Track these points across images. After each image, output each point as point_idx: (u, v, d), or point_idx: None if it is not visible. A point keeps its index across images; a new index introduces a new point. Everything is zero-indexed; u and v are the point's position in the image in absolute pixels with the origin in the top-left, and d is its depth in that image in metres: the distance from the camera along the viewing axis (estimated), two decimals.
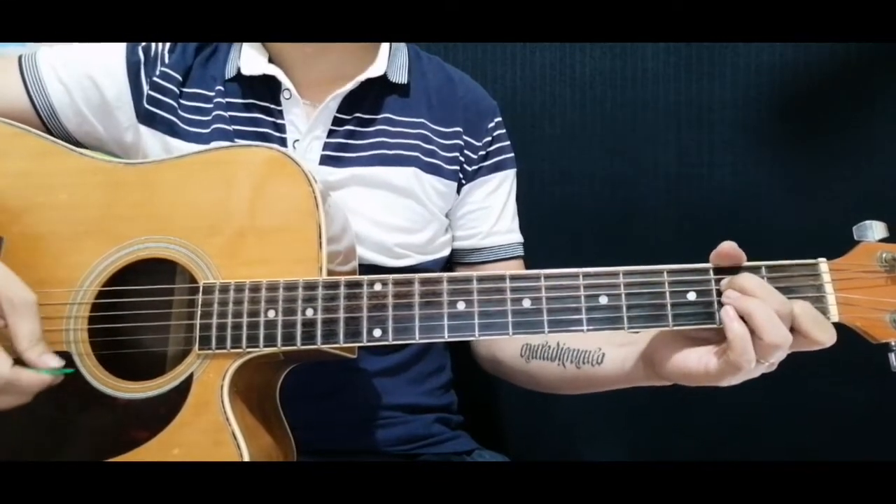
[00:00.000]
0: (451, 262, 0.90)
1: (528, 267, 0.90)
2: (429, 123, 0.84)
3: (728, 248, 0.59)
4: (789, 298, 0.58)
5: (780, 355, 0.57)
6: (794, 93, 1.06)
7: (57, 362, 0.60)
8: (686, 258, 0.62)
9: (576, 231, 1.08)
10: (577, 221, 1.09)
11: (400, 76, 0.83)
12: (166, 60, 0.81)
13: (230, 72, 0.80)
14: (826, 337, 0.57)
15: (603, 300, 0.60)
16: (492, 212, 0.88)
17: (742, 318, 0.57)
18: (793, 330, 0.57)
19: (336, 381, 0.80)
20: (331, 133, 0.80)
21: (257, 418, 0.65)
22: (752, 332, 0.56)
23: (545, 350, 0.77)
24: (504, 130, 0.90)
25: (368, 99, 0.82)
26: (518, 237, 0.91)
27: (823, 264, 0.60)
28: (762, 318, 0.56)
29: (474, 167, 0.87)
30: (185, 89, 0.81)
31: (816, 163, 1.06)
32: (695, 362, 0.60)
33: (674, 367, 0.62)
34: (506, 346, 0.83)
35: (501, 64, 1.09)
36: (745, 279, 0.58)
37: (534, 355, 0.79)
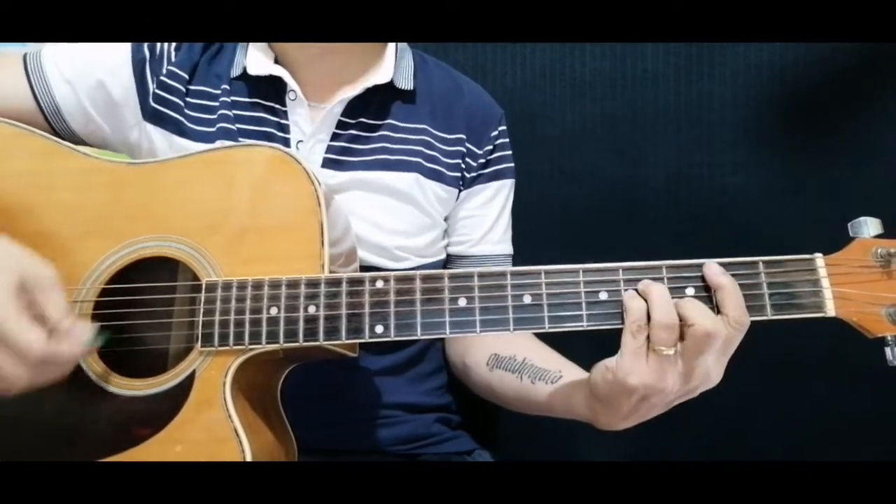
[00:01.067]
0: (444, 264, 0.90)
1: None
2: (431, 130, 0.84)
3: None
4: (784, 293, 0.60)
5: (666, 338, 0.58)
6: (794, 93, 1.06)
7: (89, 331, 0.60)
8: (685, 257, 0.62)
9: (576, 231, 1.08)
10: (577, 221, 1.09)
11: (406, 82, 0.83)
12: (173, 59, 0.81)
13: (236, 71, 0.80)
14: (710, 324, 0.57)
15: (603, 296, 0.61)
16: (485, 220, 0.88)
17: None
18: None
19: (337, 380, 0.80)
20: (334, 136, 0.80)
21: (259, 416, 0.66)
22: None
23: (511, 362, 0.78)
24: (507, 140, 0.90)
25: (374, 104, 0.82)
26: (508, 249, 0.90)
27: (820, 259, 0.61)
28: (656, 296, 0.58)
29: (473, 174, 0.87)
30: (191, 87, 0.81)
31: (816, 163, 1.06)
32: (603, 368, 0.61)
33: (595, 383, 0.63)
34: (476, 353, 0.83)
35: (501, 64, 1.09)
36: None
37: (498, 365, 0.80)
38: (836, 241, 0.62)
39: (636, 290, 0.60)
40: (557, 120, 1.09)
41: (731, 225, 1.06)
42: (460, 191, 0.86)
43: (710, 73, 1.07)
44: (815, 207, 1.05)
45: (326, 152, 0.80)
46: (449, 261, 0.89)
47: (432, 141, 0.84)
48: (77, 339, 0.58)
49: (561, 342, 0.79)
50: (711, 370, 0.59)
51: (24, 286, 0.57)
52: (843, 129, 1.05)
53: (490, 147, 0.88)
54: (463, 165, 0.86)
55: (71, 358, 0.59)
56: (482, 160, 0.87)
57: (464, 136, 0.86)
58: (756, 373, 1.02)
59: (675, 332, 0.58)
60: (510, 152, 0.90)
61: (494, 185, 0.88)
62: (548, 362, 0.75)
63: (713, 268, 0.60)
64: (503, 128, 0.90)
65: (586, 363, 0.74)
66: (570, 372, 0.73)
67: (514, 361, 0.78)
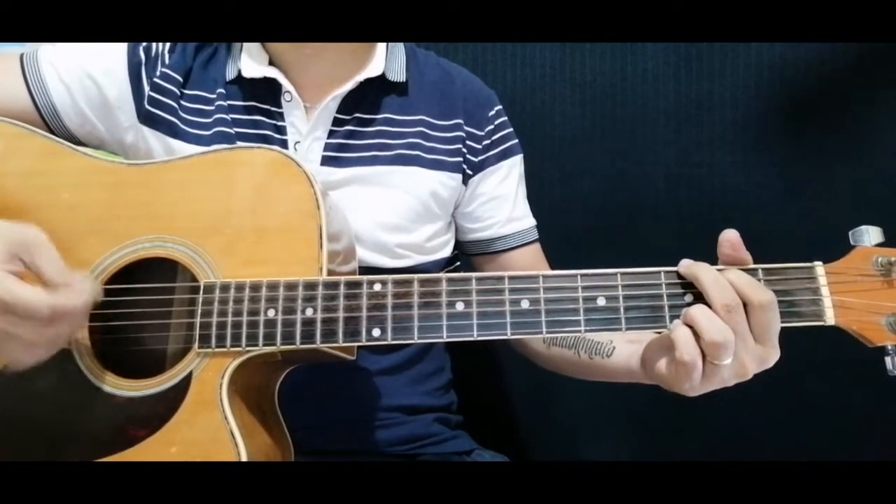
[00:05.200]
0: (470, 254, 0.91)
1: (543, 250, 0.92)
2: (428, 119, 0.84)
3: (730, 237, 0.60)
4: (784, 301, 0.59)
5: (727, 353, 0.57)
6: (794, 93, 1.06)
7: (90, 279, 0.59)
8: (685, 257, 0.62)
9: (576, 230, 1.08)
10: (577, 221, 1.09)
11: (398, 75, 0.83)
12: (166, 61, 0.81)
13: (231, 74, 0.80)
14: (764, 297, 0.57)
15: (601, 301, 0.60)
16: (506, 200, 0.88)
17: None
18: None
19: (336, 381, 0.80)
20: (331, 134, 0.80)
21: (256, 418, 0.65)
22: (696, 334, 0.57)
23: (564, 339, 0.80)
24: (505, 118, 0.90)
25: (368, 99, 0.82)
26: (533, 220, 0.92)
27: (820, 267, 0.60)
28: (699, 318, 0.57)
29: (480, 157, 0.87)
30: (185, 91, 0.81)
31: (816, 163, 1.06)
32: (664, 366, 0.61)
33: (654, 371, 0.63)
34: None
35: (501, 64, 1.09)
36: (702, 273, 0.58)
37: (554, 343, 0.82)
38: (835, 241, 0.62)
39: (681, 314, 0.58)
40: (557, 120, 1.09)
41: (731, 225, 1.04)
42: (466, 176, 0.86)
43: (710, 73, 1.07)
44: (815, 207, 1.05)
45: (324, 150, 0.80)
46: (480, 247, 0.90)
47: (429, 131, 0.84)
48: (80, 289, 0.57)
49: None
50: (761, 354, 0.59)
51: (13, 253, 0.56)
52: (843, 130, 1.05)
53: (491, 127, 0.88)
54: (464, 149, 0.86)
55: (79, 310, 0.58)
56: (486, 142, 0.87)
57: (461, 121, 0.86)
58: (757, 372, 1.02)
59: (732, 348, 0.57)
60: (511, 130, 0.91)
61: (505, 164, 0.88)
62: (599, 334, 0.76)
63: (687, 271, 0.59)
64: (499, 107, 0.90)
65: None
66: (621, 343, 0.74)
67: (568, 337, 0.79)
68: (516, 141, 0.90)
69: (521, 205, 0.90)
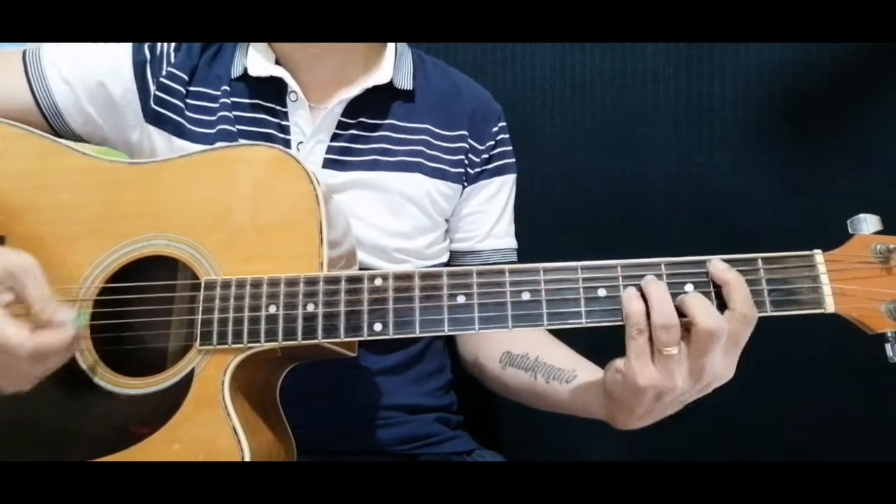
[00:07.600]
0: (446, 264, 0.90)
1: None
2: (433, 128, 0.84)
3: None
4: (783, 289, 0.59)
5: (667, 339, 0.57)
6: (794, 93, 1.06)
7: (70, 313, 0.59)
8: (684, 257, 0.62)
9: (575, 231, 1.08)
10: (576, 221, 1.09)
11: (405, 82, 0.83)
12: (172, 60, 0.81)
13: (236, 71, 0.80)
14: (714, 323, 0.57)
15: (601, 293, 0.61)
16: (490, 215, 0.88)
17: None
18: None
19: (336, 380, 0.80)
20: (335, 137, 0.80)
21: (258, 414, 0.66)
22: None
23: (523, 360, 0.78)
24: (507, 135, 0.91)
25: (373, 104, 0.82)
26: (513, 243, 0.91)
27: (819, 255, 0.61)
28: (655, 297, 0.58)
29: (477, 170, 0.87)
30: (191, 88, 0.81)
31: (816, 163, 1.06)
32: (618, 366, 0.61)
33: (607, 373, 0.63)
34: (488, 350, 0.83)
35: (501, 64, 1.09)
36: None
37: (511, 363, 0.79)
38: (836, 240, 0.62)
39: (638, 286, 0.59)
40: (557, 120, 1.09)
41: (731, 225, 1.06)
42: (464, 187, 0.86)
43: (710, 73, 1.07)
44: (815, 207, 1.05)
45: (327, 153, 0.80)
46: (454, 257, 0.89)
47: (433, 140, 0.84)
48: (63, 325, 0.58)
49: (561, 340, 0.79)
50: (721, 366, 0.59)
51: (1, 281, 0.57)
52: (842, 129, 1.05)
53: (492, 143, 0.88)
54: (466, 161, 0.86)
55: (63, 345, 0.58)
56: (485, 155, 0.87)
57: (466, 133, 0.86)
58: (756, 371, 1.02)
59: (676, 333, 0.58)
60: (511, 148, 0.91)
61: (498, 180, 0.89)
62: (562, 360, 0.75)
63: (718, 265, 0.60)
64: (503, 123, 0.90)
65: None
66: (585, 370, 0.72)
67: (528, 359, 0.77)
68: (513, 160, 0.90)
69: (504, 224, 0.90)
